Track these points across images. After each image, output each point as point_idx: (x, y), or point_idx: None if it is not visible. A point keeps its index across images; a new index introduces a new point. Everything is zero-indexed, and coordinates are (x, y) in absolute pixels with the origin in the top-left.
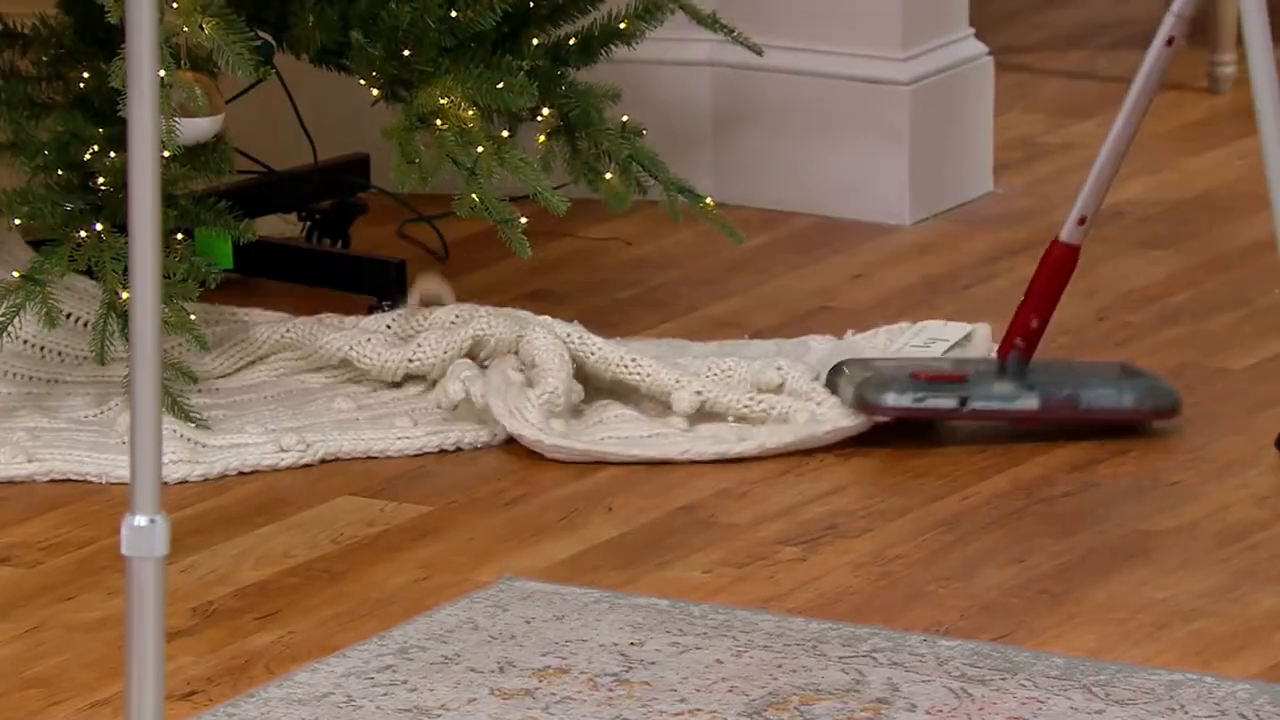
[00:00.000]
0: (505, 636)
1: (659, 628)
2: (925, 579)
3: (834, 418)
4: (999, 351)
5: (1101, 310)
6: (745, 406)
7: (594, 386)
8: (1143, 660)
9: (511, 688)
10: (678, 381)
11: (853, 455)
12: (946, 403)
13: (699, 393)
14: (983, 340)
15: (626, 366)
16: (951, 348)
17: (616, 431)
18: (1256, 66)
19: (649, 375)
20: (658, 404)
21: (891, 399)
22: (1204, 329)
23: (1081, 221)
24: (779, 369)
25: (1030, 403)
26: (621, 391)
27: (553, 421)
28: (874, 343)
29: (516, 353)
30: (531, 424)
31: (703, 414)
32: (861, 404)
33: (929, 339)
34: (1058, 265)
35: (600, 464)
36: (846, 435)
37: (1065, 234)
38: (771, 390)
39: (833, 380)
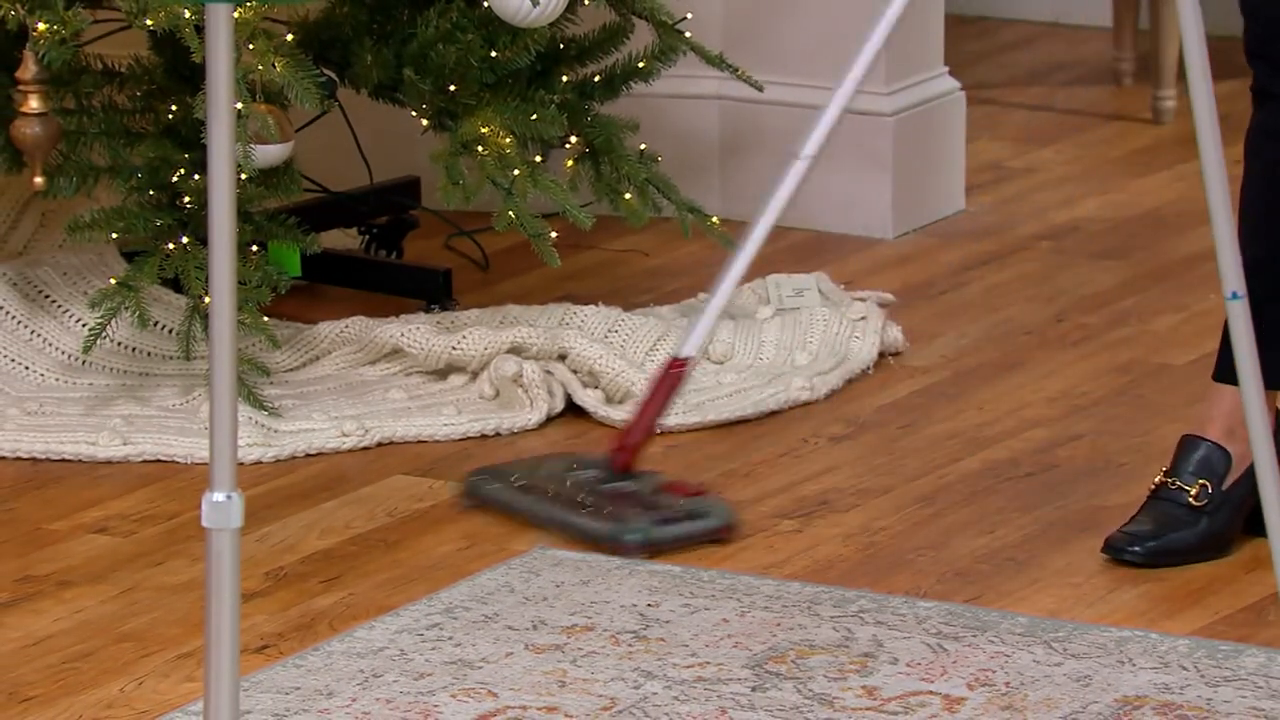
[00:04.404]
0: (538, 598)
1: (673, 591)
2: (906, 548)
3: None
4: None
5: (1060, 313)
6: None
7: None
8: (1096, 619)
9: (544, 643)
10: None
11: (843, 440)
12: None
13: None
14: (827, 286)
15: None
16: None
17: (726, 392)
18: (1198, 100)
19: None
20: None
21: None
22: (1149, 329)
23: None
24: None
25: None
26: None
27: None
28: (740, 300)
29: (563, 358)
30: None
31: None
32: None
33: (795, 289)
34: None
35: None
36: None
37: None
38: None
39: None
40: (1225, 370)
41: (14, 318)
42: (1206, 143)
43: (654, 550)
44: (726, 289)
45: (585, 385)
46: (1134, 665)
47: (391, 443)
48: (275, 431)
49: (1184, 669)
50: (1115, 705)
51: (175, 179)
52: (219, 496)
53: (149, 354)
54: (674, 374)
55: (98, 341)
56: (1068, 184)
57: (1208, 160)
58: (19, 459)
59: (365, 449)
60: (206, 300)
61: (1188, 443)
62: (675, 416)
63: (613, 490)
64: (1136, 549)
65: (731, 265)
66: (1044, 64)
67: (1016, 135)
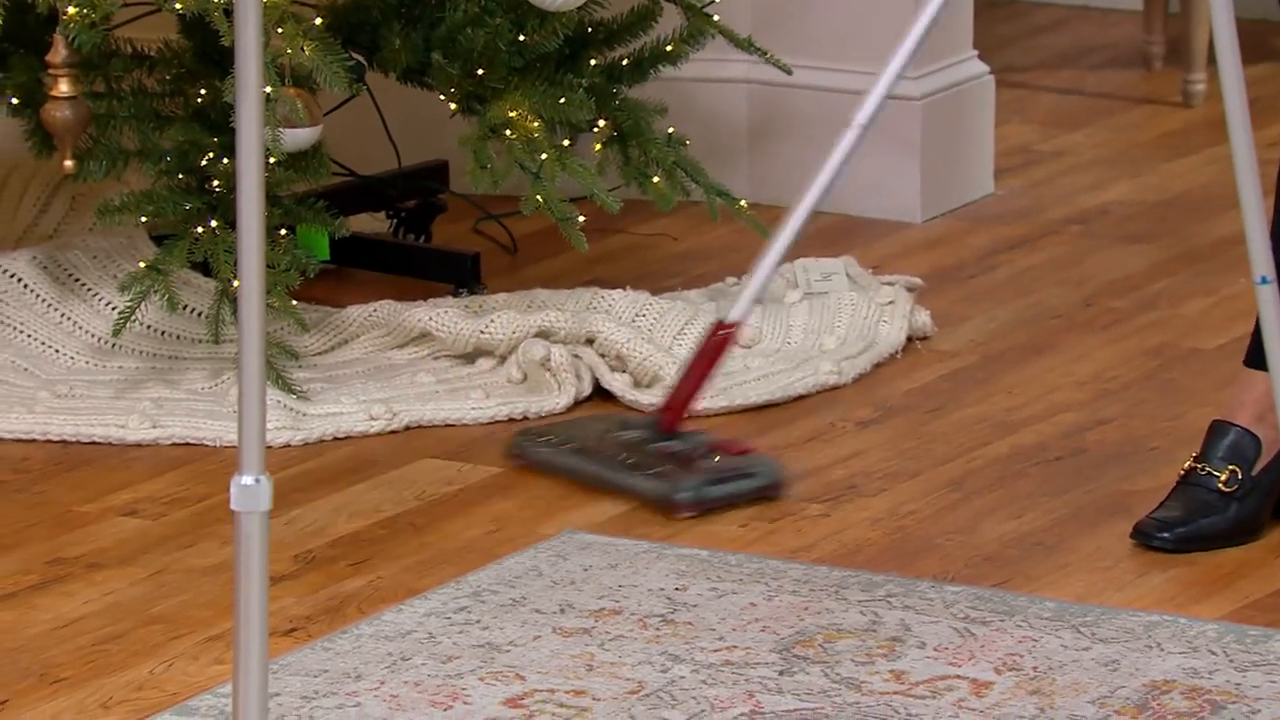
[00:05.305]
0: (566, 582)
1: (700, 575)
2: (934, 532)
3: (892, 341)
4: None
5: (1089, 297)
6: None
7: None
8: (1124, 603)
9: (571, 627)
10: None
11: (870, 424)
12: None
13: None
14: (855, 271)
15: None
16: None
17: (751, 376)
18: (1228, 83)
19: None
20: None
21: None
22: (1179, 314)
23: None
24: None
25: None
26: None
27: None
28: (771, 285)
29: (591, 342)
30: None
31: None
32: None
33: (823, 274)
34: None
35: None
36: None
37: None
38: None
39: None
40: (1256, 356)
41: (44, 301)
42: (1236, 126)
43: (705, 508)
44: (777, 252)
45: (613, 369)
46: (1162, 650)
47: (420, 426)
48: (304, 415)
49: (1213, 653)
50: (1143, 690)
51: (204, 163)
52: (248, 479)
53: (178, 337)
54: (721, 337)
55: (127, 325)
56: (1097, 168)
57: (1237, 144)
58: (49, 442)
59: (393, 432)
60: (235, 284)
61: (1217, 428)
62: (703, 400)
63: (659, 450)
64: (1166, 535)
65: (782, 231)
66: (1074, 47)
67: (1046, 119)
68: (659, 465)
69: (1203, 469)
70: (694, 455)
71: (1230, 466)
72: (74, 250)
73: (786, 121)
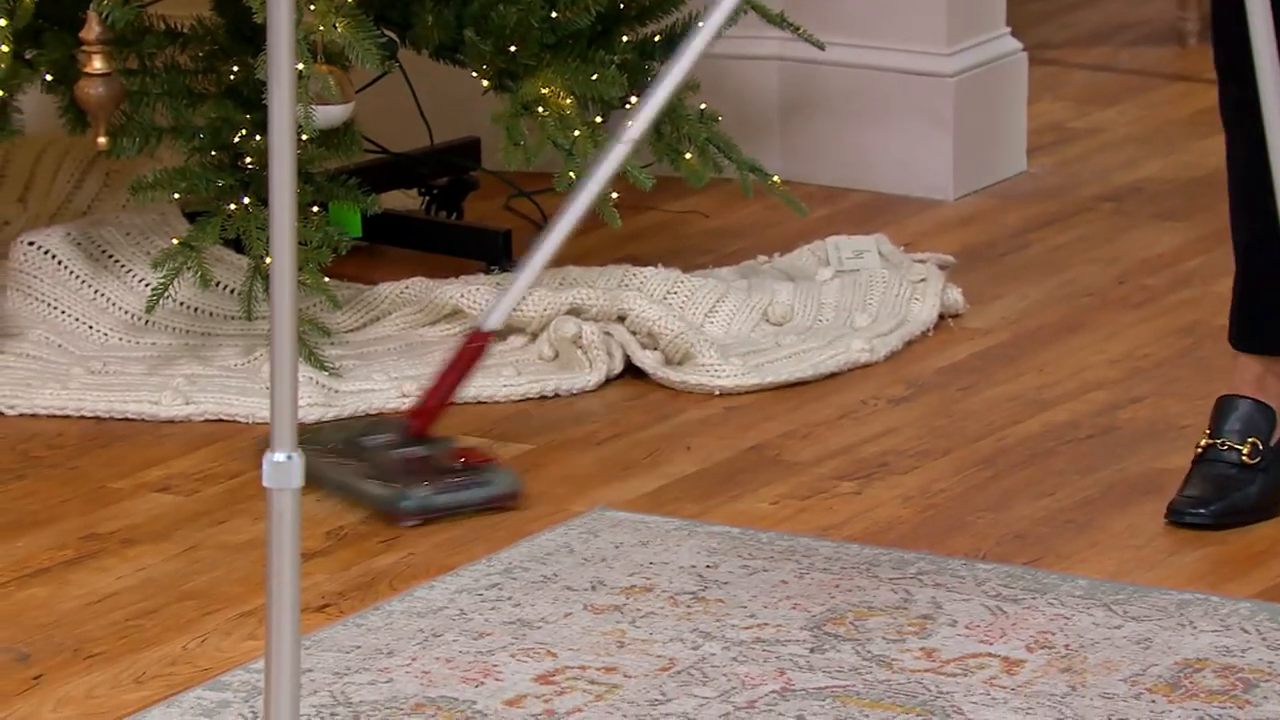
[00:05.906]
0: (597, 559)
1: (731, 552)
2: (965, 510)
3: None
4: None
5: (1122, 275)
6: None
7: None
8: (1156, 581)
9: (602, 604)
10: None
11: (901, 401)
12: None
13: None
14: (887, 248)
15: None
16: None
17: (784, 354)
18: (1261, 60)
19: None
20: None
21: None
22: (1212, 291)
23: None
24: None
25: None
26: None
27: (732, 360)
28: (800, 262)
29: (622, 319)
30: (711, 370)
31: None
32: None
33: (855, 251)
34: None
35: (685, 409)
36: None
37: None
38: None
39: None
40: (1241, 338)
41: (78, 277)
42: (1270, 103)
43: (428, 517)
44: (536, 266)
45: (644, 346)
46: (1195, 628)
47: (451, 403)
48: (336, 392)
49: (1245, 632)
50: (1175, 668)
51: (237, 139)
52: (280, 456)
53: (211, 314)
54: (474, 347)
55: (160, 301)
56: (1130, 145)
57: (1271, 121)
58: (83, 418)
59: None
60: (268, 260)
61: (1226, 402)
62: (733, 378)
63: (403, 455)
64: (1202, 511)
65: (543, 244)
66: (1107, 24)
67: (1079, 96)
68: (398, 472)
69: (1222, 444)
70: (433, 463)
71: (1250, 439)
72: (107, 227)
73: (819, 98)
